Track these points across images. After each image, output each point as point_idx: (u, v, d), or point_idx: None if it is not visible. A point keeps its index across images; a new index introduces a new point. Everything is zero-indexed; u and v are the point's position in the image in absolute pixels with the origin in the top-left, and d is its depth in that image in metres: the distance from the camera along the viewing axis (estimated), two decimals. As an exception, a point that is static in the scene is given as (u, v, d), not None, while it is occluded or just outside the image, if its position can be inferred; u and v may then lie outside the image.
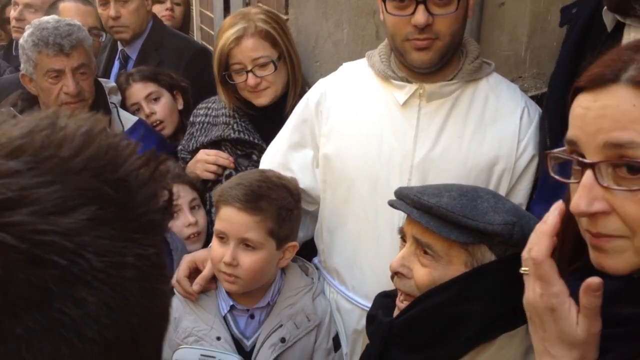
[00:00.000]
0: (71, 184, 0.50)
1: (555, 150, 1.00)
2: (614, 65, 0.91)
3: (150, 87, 2.81)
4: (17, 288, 0.46)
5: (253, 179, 1.81)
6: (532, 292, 1.00)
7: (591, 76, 0.94)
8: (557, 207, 1.00)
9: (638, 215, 0.88)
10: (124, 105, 2.80)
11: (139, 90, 2.81)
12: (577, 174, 0.95)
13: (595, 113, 0.91)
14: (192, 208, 2.31)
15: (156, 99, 2.81)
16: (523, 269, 1.00)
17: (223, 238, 1.79)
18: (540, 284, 0.98)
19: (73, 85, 2.42)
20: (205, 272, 1.87)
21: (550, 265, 0.97)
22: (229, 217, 1.77)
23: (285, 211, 1.79)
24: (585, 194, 0.90)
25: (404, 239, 1.55)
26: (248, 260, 1.77)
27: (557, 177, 0.99)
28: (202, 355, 0.82)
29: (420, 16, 1.68)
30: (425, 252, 1.46)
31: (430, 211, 1.42)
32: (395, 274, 1.51)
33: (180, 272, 1.88)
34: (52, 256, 0.47)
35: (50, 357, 0.47)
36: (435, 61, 1.76)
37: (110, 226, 0.51)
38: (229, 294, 1.87)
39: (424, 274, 1.45)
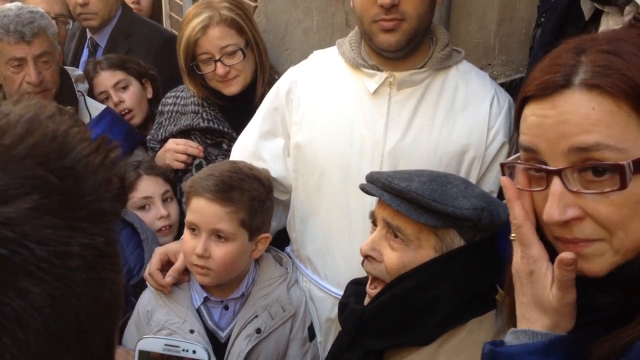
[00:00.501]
0: (13, 172, 0.49)
1: (510, 159, 1.01)
2: (562, 70, 0.92)
3: (119, 75, 2.77)
4: None
5: (224, 169, 1.79)
6: (516, 257, 1.01)
7: (540, 84, 0.94)
8: (505, 180, 1.01)
9: (611, 216, 0.89)
10: (91, 93, 2.75)
11: (106, 79, 2.76)
12: (539, 182, 0.96)
13: (554, 120, 0.91)
14: (164, 200, 2.29)
15: (124, 87, 2.76)
16: (511, 235, 1.01)
17: (194, 230, 1.78)
18: (521, 247, 0.99)
19: (35, 75, 2.37)
20: (178, 264, 1.85)
21: (528, 228, 0.97)
22: (200, 209, 1.76)
23: (257, 202, 1.78)
24: (556, 202, 0.91)
25: (374, 223, 1.56)
26: (220, 251, 1.75)
27: (518, 186, 0.99)
28: (165, 345, 0.81)
29: None
30: (396, 236, 1.47)
31: (401, 195, 1.44)
32: (365, 258, 1.52)
33: (153, 265, 1.86)
34: None
35: None
36: (403, 44, 1.76)
37: (54, 215, 0.50)
38: (202, 286, 1.85)
39: (394, 258, 1.46)
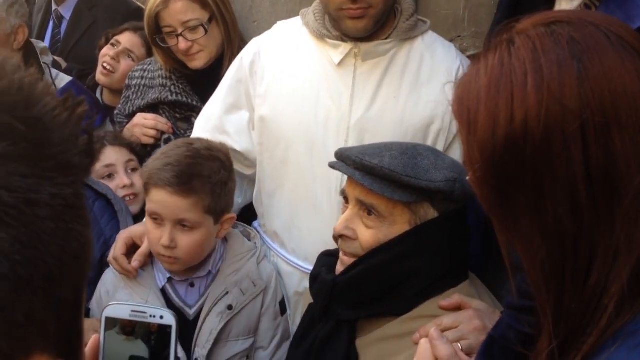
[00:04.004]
0: None
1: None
2: None
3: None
4: None
5: (181, 155, 1.72)
6: None
7: None
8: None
9: None
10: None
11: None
12: None
13: None
14: (128, 170, 2.26)
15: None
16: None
17: (157, 219, 1.73)
18: None
19: None
20: (143, 248, 1.81)
21: None
22: (161, 201, 1.70)
23: (219, 186, 1.73)
24: None
25: (346, 200, 1.55)
26: (187, 240, 1.72)
27: None
28: (132, 311, 0.81)
29: None
30: (369, 213, 1.47)
31: (373, 172, 1.43)
32: (339, 237, 1.51)
33: (117, 249, 1.81)
34: None
35: None
36: (370, 28, 1.75)
37: (22, 163, 0.50)
38: (165, 265, 1.83)
39: (369, 236, 1.46)
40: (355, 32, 1.75)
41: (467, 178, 0.96)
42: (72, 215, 0.53)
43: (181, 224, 1.72)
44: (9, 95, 0.51)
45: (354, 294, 1.49)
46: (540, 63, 0.86)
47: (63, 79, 2.60)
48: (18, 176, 0.49)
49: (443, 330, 1.37)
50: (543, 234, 0.86)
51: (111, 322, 0.86)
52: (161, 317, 0.86)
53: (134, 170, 2.29)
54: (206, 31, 2.22)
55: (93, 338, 0.86)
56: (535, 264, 0.88)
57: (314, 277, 1.60)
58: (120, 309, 0.87)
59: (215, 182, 1.72)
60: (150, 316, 0.86)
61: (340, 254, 1.53)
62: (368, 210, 1.47)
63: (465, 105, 0.93)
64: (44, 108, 0.53)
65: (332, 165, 1.55)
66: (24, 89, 0.52)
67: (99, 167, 2.21)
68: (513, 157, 0.86)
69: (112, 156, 2.25)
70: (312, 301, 1.65)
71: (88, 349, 0.86)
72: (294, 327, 1.95)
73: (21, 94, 0.52)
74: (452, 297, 1.44)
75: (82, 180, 0.56)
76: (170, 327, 0.85)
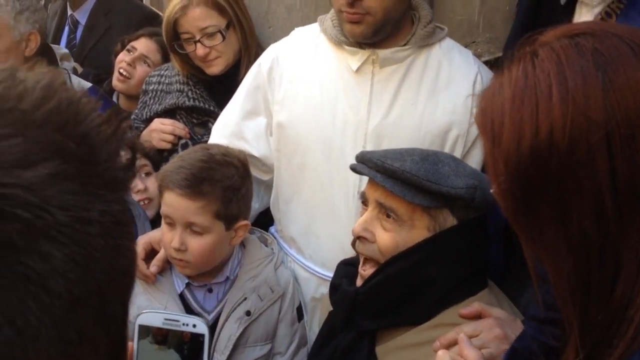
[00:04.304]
0: (33, 137, 0.49)
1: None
2: None
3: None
4: None
5: (195, 159, 1.73)
6: None
7: None
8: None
9: None
10: None
11: None
12: None
13: None
14: (142, 174, 2.28)
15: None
16: None
17: (170, 222, 1.75)
18: None
19: None
20: (162, 253, 1.82)
21: None
22: (172, 203, 1.72)
23: (231, 191, 1.73)
24: None
25: (365, 203, 1.55)
26: (196, 244, 1.73)
27: None
28: (165, 319, 0.82)
29: None
30: (388, 216, 1.47)
31: (394, 175, 1.43)
32: (357, 239, 1.52)
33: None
34: (15, 209, 0.46)
35: (18, 311, 0.46)
36: (369, 35, 1.75)
37: (73, 181, 0.50)
38: (184, 271, 1.84)
39: (387, 238, 1.46)
40: (353, 36, 1.77)
41: (492, 190, 0.96)
42: (120, 231, 0.54)
43: (191, 227, 1.72)
44: (59, 113, 0.51)
45: (374, 303, 1.49)
46: (565, 75, 0.86)
47: (83, 86, 2.61)
48: (70, 194, 0.49)
49: None
50: (569, 246, 0.86)
51: (144, 331, 0.86)
52: (194, 326, 0.87)
53: (147, 174, 2.30)
54: (224, 37, 2.22)
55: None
56: (561, 276, 0.88)
57: (335, 287, 1.60)
58: (153, 317, 0.88)
59: (226, 187, 1.72)
60: (183, 324, 0.87)
61: (360, 269, 1.53)
62: (387, 213, 1.47)
63: (489, 117, 0.93)
64: (90, 124, 0.53)
65: (353, 168, 1.56)
66: (72, 106, 0.53)
67: None
68: (538, 169, 0.86)
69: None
70: (329, 308, 1.66)
71: None
72: (310, 333, 1.96)
73: (70, 110, 0.52)
74: (472, 305, 1.44)
75: (126, 196, 0.56)
76: (202, 335, 0.86)
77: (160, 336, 0.87)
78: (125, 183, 0.56)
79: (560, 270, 0.88)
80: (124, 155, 0.56)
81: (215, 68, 2.27)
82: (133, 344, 0.86)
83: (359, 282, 1.53)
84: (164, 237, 1.76)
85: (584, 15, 1.41)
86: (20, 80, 0.52)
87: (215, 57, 2.25)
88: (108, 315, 0.53)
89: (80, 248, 0.49)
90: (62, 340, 0.49)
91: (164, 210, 1.76)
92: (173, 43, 2.27)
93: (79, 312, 0.50)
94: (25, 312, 0.46)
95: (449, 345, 1.35)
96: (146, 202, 2.25)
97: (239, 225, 1.79)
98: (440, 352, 1.15)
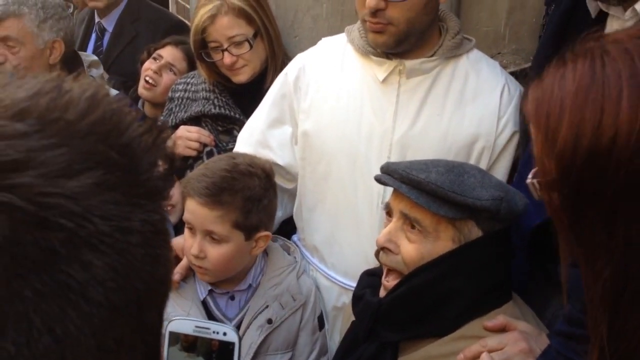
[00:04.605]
0: (77, 147, 0.50)
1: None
2: None
3: None
4: (24, 250, 0.46)
5: (219, 169, 1.74)
6: None
7: None
8: None
9: None
10: None
11: None
12: None
13: None
14: None
15: None
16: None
17: (192, 229, 1.76)
18: None
19: None
20: (184, 261, 1.83)
21: None
22: (193, 210, 1.73)
23: (252, 202, 1.73)
24: None
25: (389, 214, 1.54)
26: (215, 252, 1.73)
27: None
28: (196, 327, 0.82)
29: (371, 0, 1.67)
30: (413, 227, 1.46)
31: (419, 186, 1.42)
32: (381, 249, 1.51)
33: None
34: (59, 219, 0.47)
35: (58, 319, 0.47)
36: (391, 45, 1.76)
37: (116, 191, 0.51)
38: (206, 279, 1.85)
39: (411, 250, 1.46)
40: (376, 46, 1.78)
41: (529, 181, 0.92)
42: (159, 240, 0.54)
43: (210, 235, 1.73)
44: (103, 124, 0.52)
45: (398, 314, 1.48)
46: (639, 79, 0.81)
47: (110, 93, 2.63)
48: (112, 204, 0.50)
49: (489, 352, 1.36)
50: (610, 250, 0.84)
51: (174, 338, 0.87)
52: (224, 334, 0.87)
53: None
54: (251, 46, 2.24)
55: None
56: (596, 279, 0.85)
57: (358, 298, 1.60)
58: (183, 324, 0.88)
59: (247, 198, 1.72)
60: (214, 332, 0.87)
61: (383, 280, 1.53)
62: (412, 224, 1.47)
63: (544, 109, 0.88)
64: (132, 133, 0.54)
65: (377, 179, 1.56)
66: (115, 116, 0.54)
67: None
68: (593, 172, 0.82)
69: None
70: (351, 317, 1.65)
71: None
72: (331, 342, 1.95)
73: (113, 121, 0.53)
74: (497, 318, 1.42)
75: (165, 205, 0.57)
76: (232, 344, 0.86)
77: (188, 343, 0.87)
78: (164, 193, 0.57)
79: (597, 273, 0.85)
80: (163, 164, 0.57)
81: (242, 76, 2.28)
82: (163, 351, 0.86)
83: (382, 293, 1.52)
84: (185, 243, 1.77)
85: (615, 28, 1.40)
86: (66, 91, 0.53)
87: (242, 66, 2.26)
88: (146, 324, 0.54)
89: (120, 257, 0.50)
90: (101, 348, 0.49)
91: (185, 216, 1.77)
92: (200, 51, 2.28)
93: (118, 321, 0.50)
94: (65, 320, 0.47)
95: (473, 358, 1.34)
96: (169, 208, 2.26)
97: (260, 236, 1.78)
98: None
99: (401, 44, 1.76)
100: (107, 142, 0.51)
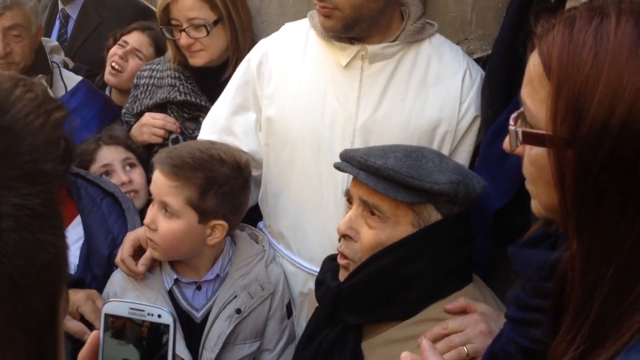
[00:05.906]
0: None
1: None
2: None
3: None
4: None
5: (193, 147, 1.77)
6: None
7: None
8: None
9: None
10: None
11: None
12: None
13: None
14: (125, 167, 2.27)
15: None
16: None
17: (153, 201, 1.78)
18: None
19: (1, 46, 2.34)
20: (149, 252, 1.82)
21: None
22: (154, 180, 1.76)
23: (211, 184, 1.72)
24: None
25: (350, 201, 1.55)
26: (165, 226, 1.73)
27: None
28: (131, 308, 0.82)
29: None
30: (373, 214, 1.47)
31: (377, 172, 1.43)
32: (342, 237, 1.52)
33: (125, 251, 1.82)
34: None
35: None
36: (339, 29, 1.76)
37: None
38: (173, 267, 1.84)
39: (370, 235, 1.46)
40: (324, 29, 1.78)
41: (512, 128, 0.85)
42: (41, 225, 0.52)
43: (165, 208, 1.73)
44: None
45: (358, 299, 1.49)
46: None
47: (73, 79, 2.60)
48: None
49: (449, 334, 1.37)
50: (622, 235, 0.78)
51: (110, 322, 0.85)
52: (159, 316, 0.85)
53: (132, 166, 2.29)
54: (208, 32, 2.23)
55: (92, 336, 0.85)
56: (596, 262, 0.80)
57: (320, 282, 1.60)
58: (119, 306, 0.86)
59: (207, 178, 1.72)
60: (148, 314, 0.86)
61: (338, 258, 1.53)
62: (371, 210, 1.47)
63: (571, 72, 0.79)
64: (16, 115, 0.52)
65: (337, 166, 1.56)
66: None
67: (95, 168, 2.22)
68: (624, 144, 0.75)
69: (107, 156, 2.25)
70: (316, 303, 1.65)
71: (87, 347, 0.84)
72: (298, 328, 1.95)
73: None
74: (458, 300, 1.44)
75: (54, 189, 0.54)
76: (167, 326, 0.85)
77: (115, 330, 0.86)
78: (55, 175, 0.54)
79: (598, 255, 0.79)
80: (59, 145, 0.55)
81: (198, 60, 2.27)
82: (100, 333, 0.85)
83: (342, 276, 1.52)
84: (146, 215, 1.78)
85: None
86: None
87: (199, 50, 2.26)
88: (25, 309, 0.52)
89: None
90: None
91: (150, 187, 1.81)
92: (162, 27, 2.27)
93: None
94: None
95: (434, 340, 1.34)
96: (132, 194, 2.24)
97: (216, 224, 1.76)
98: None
99: (351, 29, 1.76)
100: None
